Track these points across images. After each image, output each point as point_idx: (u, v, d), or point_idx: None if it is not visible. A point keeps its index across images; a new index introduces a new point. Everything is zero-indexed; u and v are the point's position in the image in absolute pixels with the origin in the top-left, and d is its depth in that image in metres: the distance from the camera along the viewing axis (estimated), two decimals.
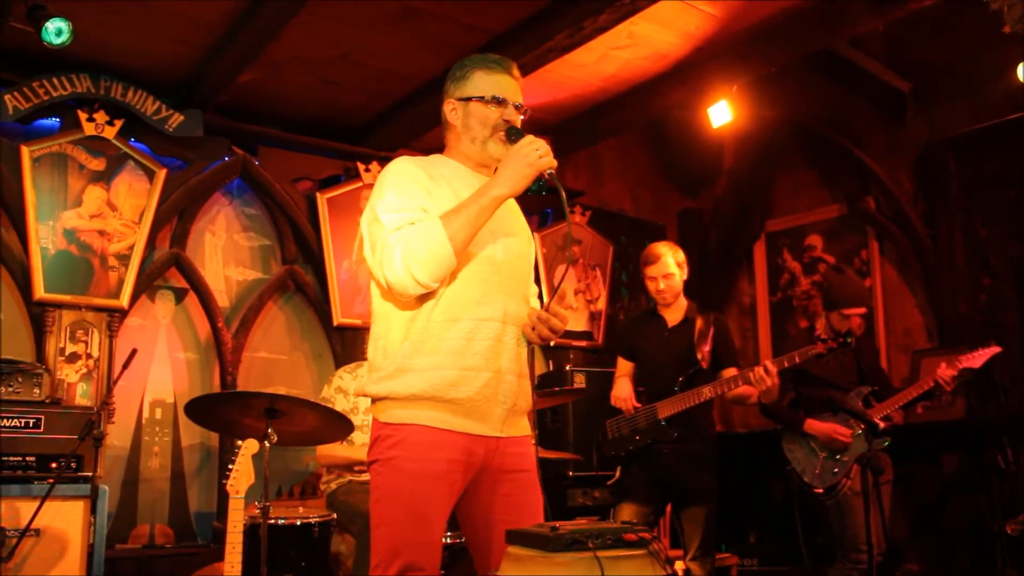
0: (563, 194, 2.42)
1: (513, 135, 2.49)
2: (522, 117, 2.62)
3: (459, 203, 2.40)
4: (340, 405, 4.44)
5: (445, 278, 2.40)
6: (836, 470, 4.47)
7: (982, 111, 6.04)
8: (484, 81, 2.58)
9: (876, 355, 4.87)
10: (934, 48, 5.87)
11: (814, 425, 4.56)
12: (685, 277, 4.63)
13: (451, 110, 2.62)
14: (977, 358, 4.35)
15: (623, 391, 4.61)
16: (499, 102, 2.56)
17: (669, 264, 4.56)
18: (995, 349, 4.39)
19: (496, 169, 2.50)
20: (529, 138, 2.41)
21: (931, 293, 6.34)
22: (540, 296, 2.73)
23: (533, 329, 2.51)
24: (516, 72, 2.63)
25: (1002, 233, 6.03)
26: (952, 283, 6.16)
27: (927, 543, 5.70)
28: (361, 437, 4.34)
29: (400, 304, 2.45)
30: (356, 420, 4.31)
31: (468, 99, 2.58)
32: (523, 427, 2.61)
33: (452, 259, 2.35)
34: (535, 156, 2.36)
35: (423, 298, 2.42)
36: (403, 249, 2.33)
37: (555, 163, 2.40)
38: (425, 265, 2.33)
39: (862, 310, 4.70)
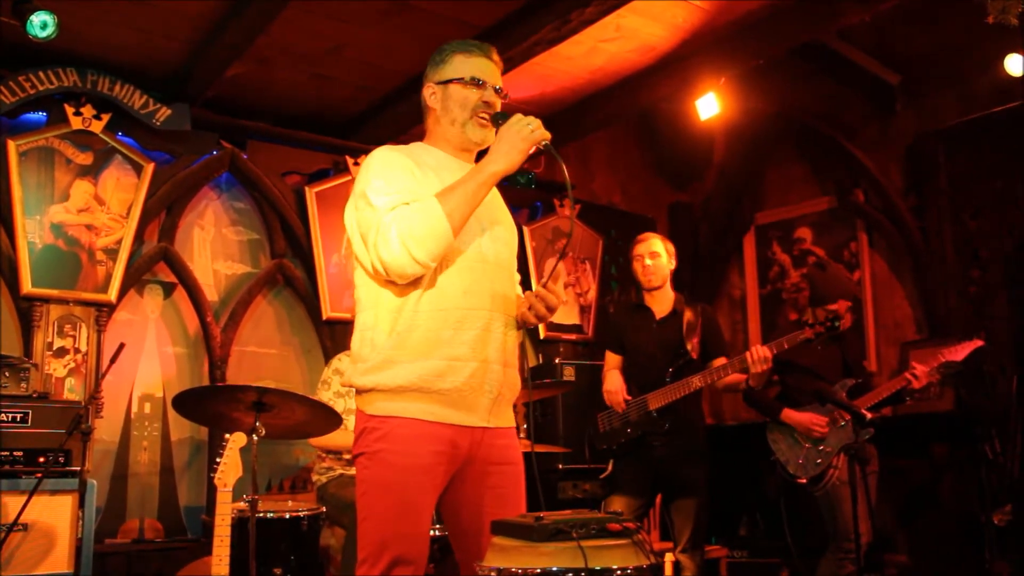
0: (563, 165, 2.45)
1: (500, 118, 2.49)
2: (502, 101, 2.62)
3: (454, 181, 2.40)
4: (335, 387, 4.52)
5: (440, 258, 2.38)
6: (819, 461, 4.49)
7: (971, 103, 6.06)
8: (463, 64, 2.58)
9: (862, 350, 4.88)
10: (923, 41, 5.87)
11: (791, 415, 4.57)
12: (673, 267, 4.64)
13: (431, 94, 2.62)
14: (959, 351, 4.36)
15: (613, 385, 4.60)
16: (478, 84, 2.56)
17: (656, 244, 4.61)
18: (977, 343, 4.39)
19: (476, 154, 2.53)
20: (519, 115, 2.43)
21: (920, 285, 6.35)
22: (521, 283, 2.73)
23: (530, 308, 2.52)
24: (495, 56, 2.64)
25: (991, 225, 6.04)
26: (941, 275, 6.17)
27: (916, 533, 5.72)
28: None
29: (392, 290, 2.43)
30: (351, 403, 4.32)
31: (447, 82, 2.59)
32: (508, 418, 2.61)
33: (450, 236, 2.35)
34: (528, 131, 2.38)
35: (409, 288, 2.41)
36: (400, 227, 2.32)
37: (548, 135, 2.41)
38: (423, 242, 2.31)
39: (847, 304, 4.70)
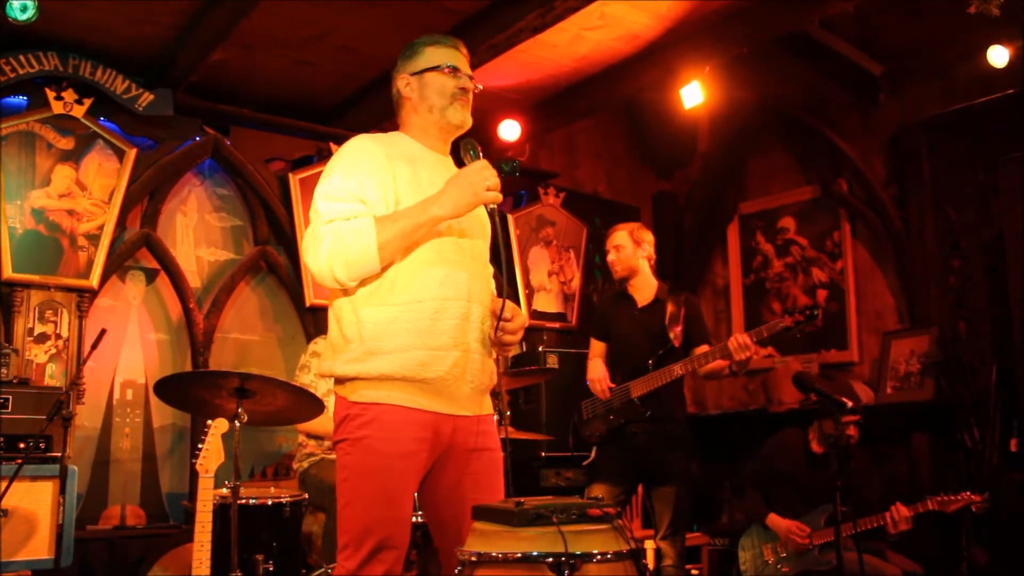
0: (500, 232, 2.55)
1: (470, 149, 2.56)
2: (475, 90, 2.68)
3: (396, 212, 2.43)
4: (316, 369, 4.52)
5: (360, 280, 2.43)
6: None
7: (954, 94, 6.08)
8: (436, 54, 2.65)
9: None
10: (906, 31, 5.88)
11: (776, 521, 4.55)
12: (648, 255, 4.67)
13: (405, 84, 2.66)
14: (950, 504, 4.36)
15: (596, 372, 4.63)
16: (454, 70, 2.62)
17: (619, 236, 4.67)
18: (975, 497, 4.36)
19: (455, 137, 2.64)
20: (483, 164, 2.47)
21: (902, 275, 6.38)
22: (496, 278, 2.75)
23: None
24: (463, 49, 2.71)
25: (972, 216, 6.07)
26: (923, 265, 6.20)
27: None
28: None
29: (366, 280, 2.46)
30: (332, 383, 4.33)
31: (423, 71, 2.63)
32: (487, 405, 2.66)
33: (376, 266, 2.39)
34: (483, 187, 2.43)
35: (384, 279, 2.45)
36: (330, 244, 2.37)
37: (500, 198, 2.48)
38: (348, 266, 2.37)
39: (856, 417, 4.59)
